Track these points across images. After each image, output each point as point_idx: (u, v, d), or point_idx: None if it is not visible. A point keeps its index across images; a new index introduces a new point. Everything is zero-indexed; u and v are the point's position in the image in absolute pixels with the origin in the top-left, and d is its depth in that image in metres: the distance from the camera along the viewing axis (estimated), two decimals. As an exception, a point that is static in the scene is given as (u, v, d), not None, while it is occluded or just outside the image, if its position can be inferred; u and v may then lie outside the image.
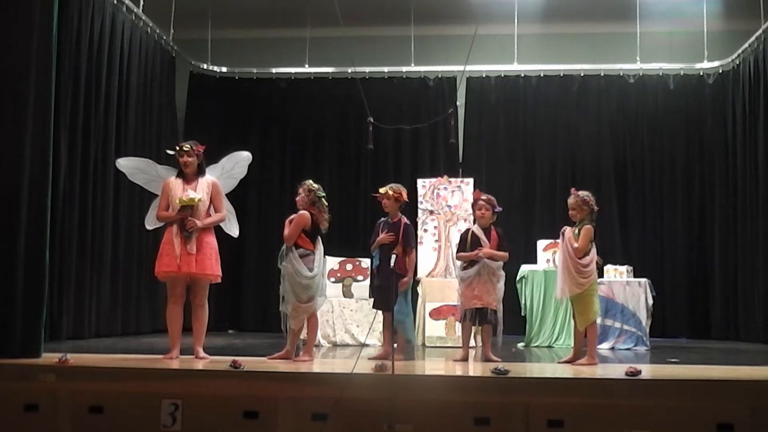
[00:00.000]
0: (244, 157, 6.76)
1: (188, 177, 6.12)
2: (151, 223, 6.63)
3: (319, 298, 6.11)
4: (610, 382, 5.01)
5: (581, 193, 6.24)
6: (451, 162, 11.10)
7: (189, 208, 5.95)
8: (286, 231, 6.03)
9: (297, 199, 6.16)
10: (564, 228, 6.19)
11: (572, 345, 6.47)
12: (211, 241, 6.08)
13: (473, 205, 6.77)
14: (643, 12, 10.75)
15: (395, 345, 6.30)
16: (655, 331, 8.87)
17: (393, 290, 6.17)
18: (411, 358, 6.70)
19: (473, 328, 6.74)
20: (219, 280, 6.17)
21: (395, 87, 11.61)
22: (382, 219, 6.70)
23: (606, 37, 11.39)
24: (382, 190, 6.63)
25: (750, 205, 10.09)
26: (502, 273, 6.51)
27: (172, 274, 5.92)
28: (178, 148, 6.15)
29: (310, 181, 6.20)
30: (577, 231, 6.11)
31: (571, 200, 6.23)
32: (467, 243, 6.56)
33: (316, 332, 6.30)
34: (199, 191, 6.04)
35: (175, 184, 6.10)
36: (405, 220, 6.59)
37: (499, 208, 6.59)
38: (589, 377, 5.26)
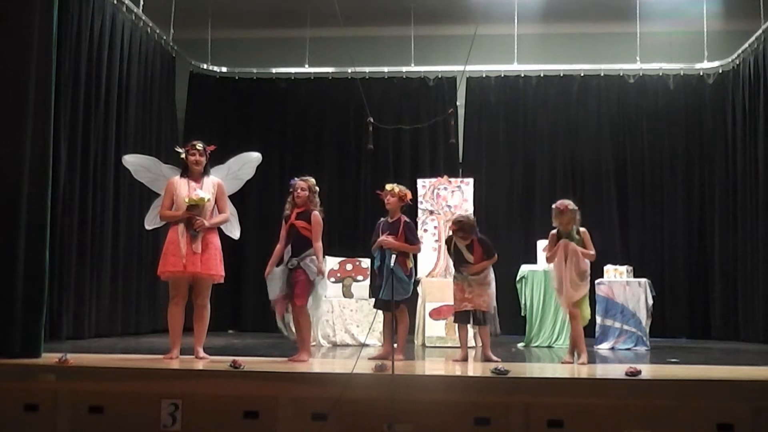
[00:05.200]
0: (254, 158, 6.72)
1: (194, 176, 6.12)
2: (151, 223, 6.61)
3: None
4: (610, 382, 5.01)
5: (570, 204, 6.25)
6: (451, 162, 11.10)
7: (196, 208, 5.95)
8: (311, 234, 5.96)
9: (304, 195, 6.05)
10: (563, 242, 6.20)
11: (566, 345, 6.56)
12: (216, 241, 6.08)
13: None
14: (643, 12, 10.75)
15: (395, 345, 6.30)
16: (655, 331, 8.87)
17: (393, 291, 6.15)
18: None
19: (470, 328, 6.76)
20: (222, 281, 6.17)
21: (395, 87, 11.61)
22: (382, 219, 6.71)
23: (606, 37, 11.38)
24: (388, 187, 6.64)
25: (750, 205, 10.09)
26: (492, 276, 6.57)
27: (178, 273, 5.91)
28: (190, 146, 6.15)
29: (313, 180, 6.15)
30: (576, 236, 6.20)
31: (566, 216, 6.21)
32: (450, 250, 6.69)
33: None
34: (205, 191, 6.04)
35: (180, 183, 6.09)
36: (404, 218, 6.63)
37: (476, 231, 6.52)
38: (589, 377, 5.27)
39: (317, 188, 6.14)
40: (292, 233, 6.01)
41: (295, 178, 6.17)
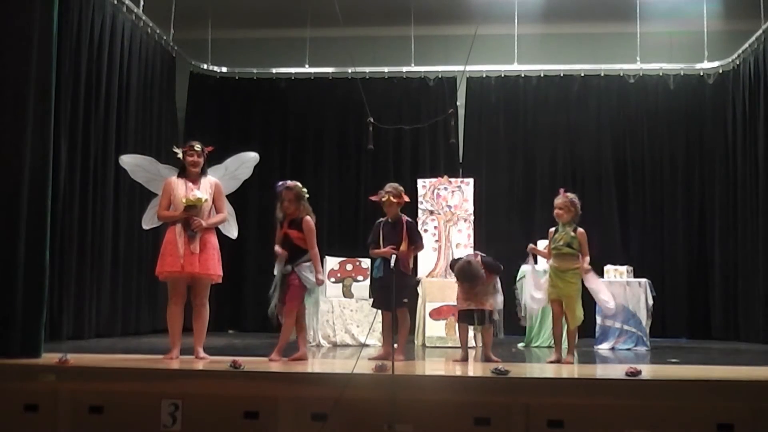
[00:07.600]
0: (251, 158, 6.71)
1: (192, 177, 6.12)
2: (148, 223, 6.61)
3: None
4: (610, 382, 5.01)
5: (570, 194, 6.30)
6: (451, 162, 11.10)
7: (194, 208, 5.95)
8: (307, 243, 5.96)
9: (293, 207, 5.96)
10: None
11: (566, 345, 6.58)
12: (214, 241, 6.08)
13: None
14: (643, 12, 10.75)
15: (395, 345, 6.30)
16: (655, 331, 8.86)
17: (393, 290, 6.15)
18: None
19: (471, 328, 6.75)
20: (220, 281, 6.18)
21: (395, 87, 11.60)
22: (381, 219, 6.66)
23: (606, 37, 11.39)
24: (384, 199, 6.45)
25: (750, 205, 10.09)
26: (499, 286, 6.53)
27: (176, 273, 5.92)
28: (188, 146, 6.14)
29: (299, 185, 6.04)
30: (572, 233, 6.23)
31: (559, 200, 6.31)
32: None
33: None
34: (203, 191, 6.04)
35: (178, 183, 6.09)
36: (406, 218, 6.55)
37: (478, 275, 6.33)
38: (589, 377, 5.27)
39: (305, 191, 6.05)
40: (287, 242, 6.01)
41: (280, 183, 6.06)
